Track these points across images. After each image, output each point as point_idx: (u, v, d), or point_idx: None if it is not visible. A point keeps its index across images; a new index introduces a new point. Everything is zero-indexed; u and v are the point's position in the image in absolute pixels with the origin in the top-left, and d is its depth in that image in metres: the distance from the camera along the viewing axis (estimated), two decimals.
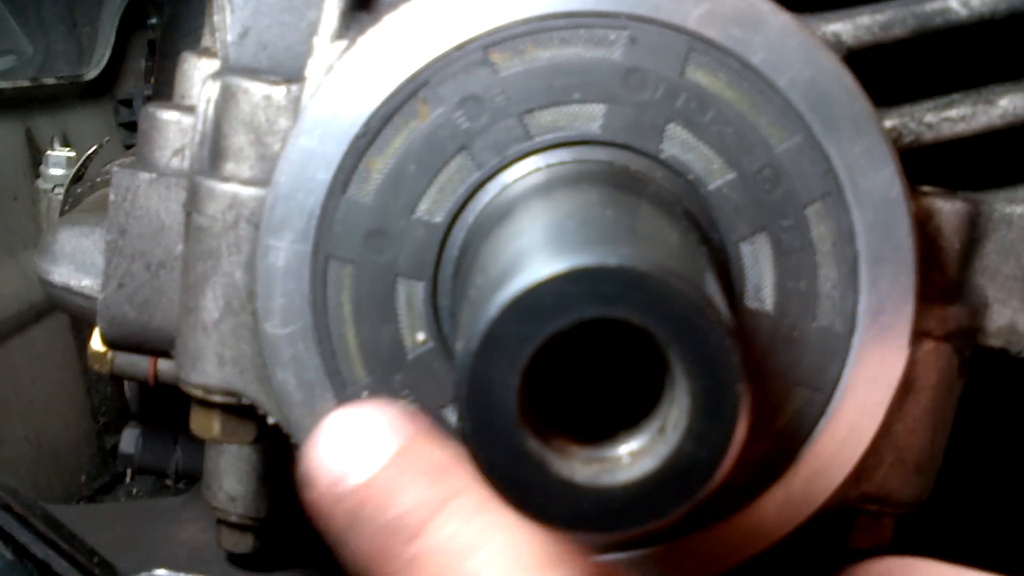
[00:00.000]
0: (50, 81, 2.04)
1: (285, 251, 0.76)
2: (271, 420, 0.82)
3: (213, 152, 0.81)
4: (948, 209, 0.80)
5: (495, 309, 0.53)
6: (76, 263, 1.27)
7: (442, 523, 0.61)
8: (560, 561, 0.60)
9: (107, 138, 1.92)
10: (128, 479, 1.96)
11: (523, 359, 0.54)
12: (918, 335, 0.77)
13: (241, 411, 0.85)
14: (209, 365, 0.82)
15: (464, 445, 0.55)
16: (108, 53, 2.15)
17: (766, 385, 0.75)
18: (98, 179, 1.54)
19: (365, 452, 0.64)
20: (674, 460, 0.55)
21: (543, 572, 0.59)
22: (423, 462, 0.64)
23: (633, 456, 0.56)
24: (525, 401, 0.55)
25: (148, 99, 2.16)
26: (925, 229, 0.79)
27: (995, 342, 0.84)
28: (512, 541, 0.61)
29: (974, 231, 0.82)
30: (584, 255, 0.53)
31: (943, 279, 0.81)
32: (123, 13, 2.19)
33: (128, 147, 2.24)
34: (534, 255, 0.55)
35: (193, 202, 0.81)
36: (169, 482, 1.77)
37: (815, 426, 0.76)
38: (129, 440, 1.64)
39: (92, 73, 2.13)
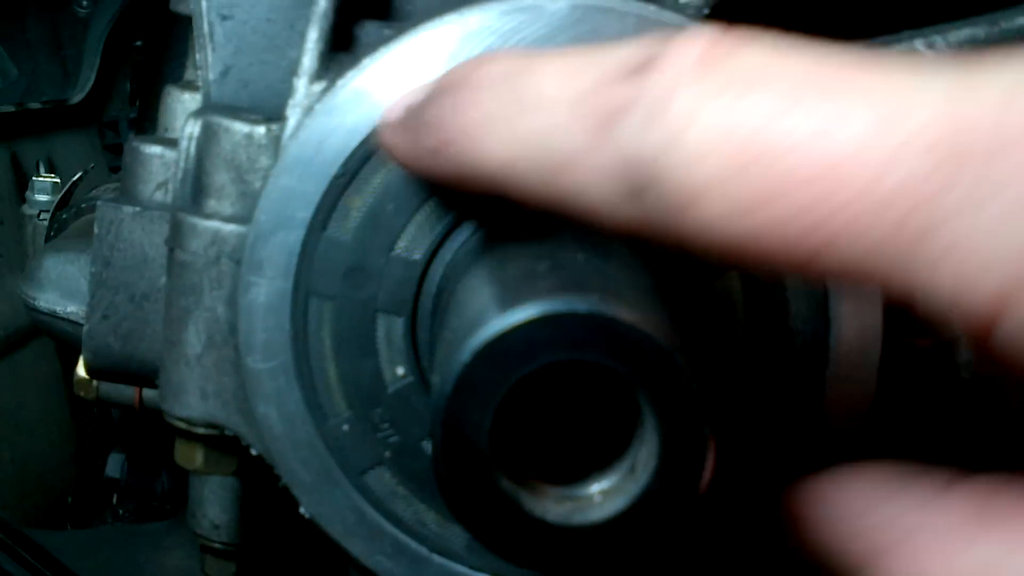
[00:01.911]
0: (35, 105, 2.05)
1: (266, 288, 0.77)
2: (254, 452, 0.83)
3: (195, 189, 0.82)
4: None
5: (467, 354, 0.54)
6: (61, 289, 1.28)
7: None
8: None
9: (92, 164, 1.93)
10: (115, 501, 1.97)
11: (494, 402, 0.55)
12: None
13: (224, 443, 0.86)
14: (192, 398, 0.83)
15: (438, 485, 0.57)
16: (93, 76, 2.16)
17: (740, 419, 0.77)
18: (83, 205, 1.55)
19: None
20: (644, 499, 0.56)
21: None
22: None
23: (604, 495, 0.58)
24: (498, 442, 0.56)
25: (132, 121, 2.17)
26: None
27: (966, 374, 0.86)
28: None
29: None
30: (554, 301, 0.55)
31: (913, 313, 0.83)
32: (109, 36, 2.20)
33: (113, 169, 2.25)
34: (506, 299, 0.57)
35: (175, 238, 0.82)
36: (155, 503, 1.78)
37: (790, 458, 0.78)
38: (114, 465, 1.66)
39: (77, 97, 2.14)
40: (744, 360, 0.76)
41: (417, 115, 0.67)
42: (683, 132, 0.52)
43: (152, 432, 1.66)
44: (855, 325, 0.76)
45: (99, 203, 0.90)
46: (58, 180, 1.84)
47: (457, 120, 0.63)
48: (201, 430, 0.84)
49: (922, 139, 0.48)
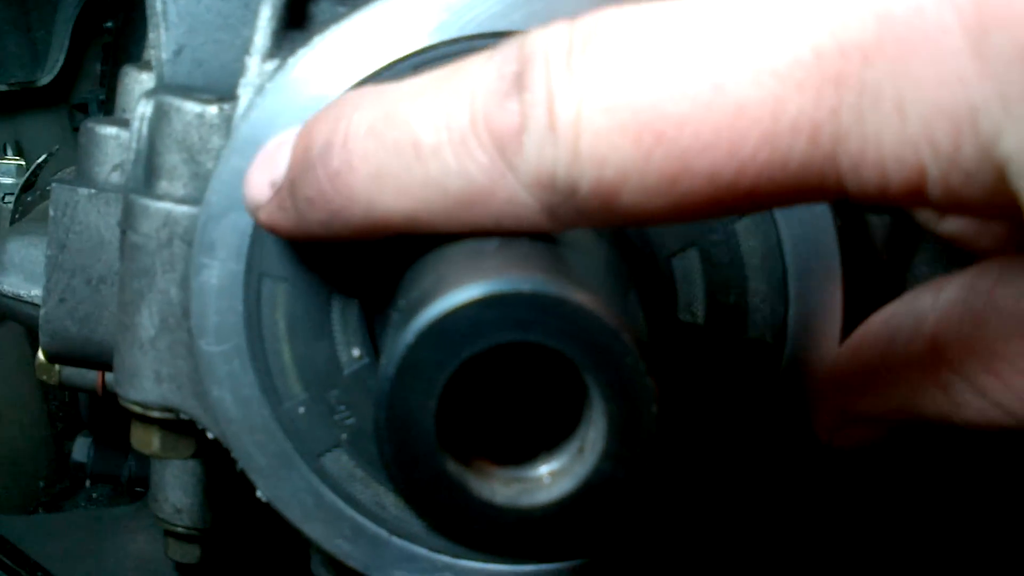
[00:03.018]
0: (2, 88, 2.02)
1: (218, 270, 0.76)
2: (210, 435, 0.82)
3: (147, 170, 0.81)
4: (876, 222, 0.81)
5: (411, 335, 0.54)
6: (26, 273, 1.26)
7: None
8: None
9: (57, 146, 1.90)
10: (88, 484, 1.96)
11: (439, 383, 0.54)
12: None
13: (180, 426, 0.86)
14: (147, 382, 0.82)
15: (384, 468, 0.56)
16: (62, 58, 2.13)
17: (698, 396, 0.76)
18: (48, 187, 1.53)
19: None
20: (592, 480, 0.56)
21: None
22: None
23: (553, 476, 0.57)
24: (444, 424, 0.55)
25: (102, 103, 2.14)
26: (853, 242, 0.80)
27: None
28: None
29: (903, 242, 0.83)
30: (500, 281, 0.54)
31: (874, 290, 0.82)
32: (78, 17, 2.17)
33: None
34: (452, 280, 0.56)
35: (128, 220, 0.81)
36: (125, 487, 1.76)
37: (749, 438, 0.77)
38: (81, 449, 1.64)
39: (46, 78, 2.11)
40: (702, 338, 0.76)
41: (293, 193, 0.64)
42: (578, 138, 0.53)
43: (118, 416, 1.65)
44: (814, 303, 0.76)
45: (54, 185, 0.89)
46: (23, 163, 1.82)
47: (340, 190, 0.60)
48: (156, 414, 0.83)
49: (798, 74, 0.50)
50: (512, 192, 0.56)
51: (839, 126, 0.50)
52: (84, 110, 2.22)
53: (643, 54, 0.52)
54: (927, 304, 0.67)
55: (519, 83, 0.55)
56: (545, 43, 0.55)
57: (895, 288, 0.83)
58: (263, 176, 0.66)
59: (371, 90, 0.62)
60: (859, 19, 0.49)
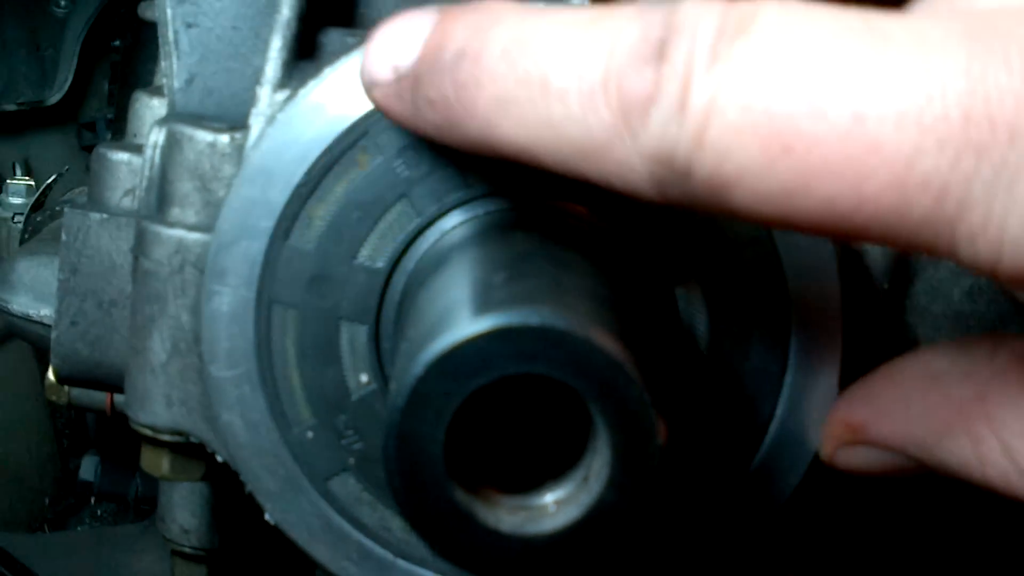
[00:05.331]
0: (11, 107, 2.04)
1: (229, 296, 0.77)
2: (219, 459, 0.83)
3: (159, 198, 0.82)
4: (875, 251, 0.83)
5: (420, 367, 0.55)
6: (35, 293, 1.28)
7: None
8: None
9: (67, 167, 1.92)
10: (93, 501, 1.97)
11: (447, 414, 0.55)
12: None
13: (190, 450, 0.87)
14: (157, 406, 0.83)
15: (393, 496, 0.57)
16: (71, 77, 2.15)
17: (700, 423, 0.78)
18: (57, 207, 1.55)
19: None
20: (596, 509, 0.57)
21: None
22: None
23: (559, 505, 0.58)
24: (452, 454, 0.57)
25: (110, 122, 2.16)
26: (854, 271, 0.81)
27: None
28: None
29: (902, 272, 0.84)
30: (507, 314, 0.55)
31: (873, 319, 0.84)
32: (87, 36, 2.19)
33: None
34: (461, 312, 0.57)
35: (140, 246, 0.82)
36: (132, 506, 1.77)
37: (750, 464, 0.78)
38: (88, 468, 1.66)
39: (55, 97, 2.13)
40: (705, 365, 0.77)
41: (415, 87, 0.63)
42: (707, 126, 0.52)
43: (126, 436, 1.66)
44: (815, 330, 0.77)
45: (66, 210, 0.90)
46: (32, 183, 1.84)
47: (463, 103, 0.59)
48: (167, 437, 0.84)
49: (941, 132, 0.49)
50: (627, 157, 0.54)
51: (968, 195, 0.49)
52: (92, 129, 2.23)
53: (795, 61, 0.51)
54: (983, 355, 0.66)
55: (660, 52, 0.53)
56: (697, 18, 0.53)
57: (894, 317, 0.85)
58: (387, 57, 0.65)
59: (513, 8, 0.60)
60: (1016, 97, 0.48)
